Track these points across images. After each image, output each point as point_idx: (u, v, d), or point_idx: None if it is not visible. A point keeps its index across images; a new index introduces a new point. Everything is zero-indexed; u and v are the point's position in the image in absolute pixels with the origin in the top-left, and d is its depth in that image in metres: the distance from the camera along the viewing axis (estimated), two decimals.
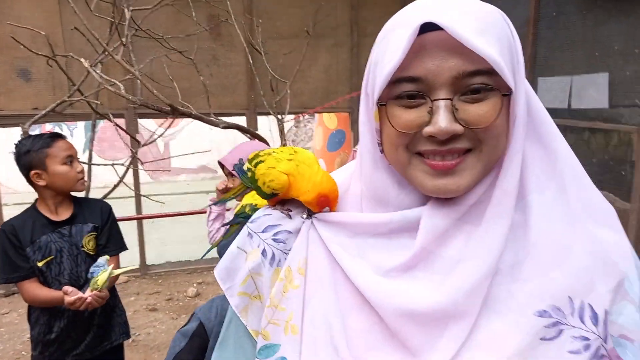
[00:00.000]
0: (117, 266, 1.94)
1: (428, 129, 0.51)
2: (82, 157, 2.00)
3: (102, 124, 8.73)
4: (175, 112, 2.61)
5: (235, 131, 2.89)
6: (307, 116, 9.13)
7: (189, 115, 2.70)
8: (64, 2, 3.79)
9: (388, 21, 0.56)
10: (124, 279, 4.50)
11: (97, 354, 1.93)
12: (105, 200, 2.15)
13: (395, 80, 0.52)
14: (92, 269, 1.77)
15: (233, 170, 1.94)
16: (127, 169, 3.30)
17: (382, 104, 0.54)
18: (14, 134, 2.74)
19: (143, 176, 5.08)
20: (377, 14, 4.63)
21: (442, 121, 0.50)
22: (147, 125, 7.11)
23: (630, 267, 0.58)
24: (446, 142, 0.52)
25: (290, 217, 0.67)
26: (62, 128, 9.22)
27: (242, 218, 1.27)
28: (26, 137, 1.88)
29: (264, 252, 0.65)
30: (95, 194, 2.80)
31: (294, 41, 4.16)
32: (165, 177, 10.22)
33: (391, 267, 0.57)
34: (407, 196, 0.59)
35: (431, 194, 0.55)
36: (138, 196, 4.36)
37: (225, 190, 2.11)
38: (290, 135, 10.46)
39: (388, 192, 0.59)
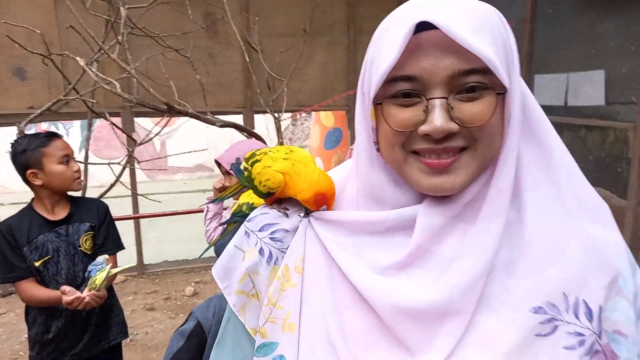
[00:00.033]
0: (115, 265, 1.94)
1: (423, 128, 0.51)
2: (78, 156, 2.00)
3: (98, 122, 8.71)
4: (172, 111, 2.61)
5: (232, 129, 2.88)
6: (304, 114, 9.13)
7: (186, 114, 2.70)
8: (59, 0, 3.77)
9: (384, 20, 0.56)
10: (122, 278, 4.50)
11: (95, 354, 1.93)
12: (102, 199, 2.15)
13: (391, 79, 0.52)
14: (90, 267, 1.77)
15: (230, 169, 1.94)
16: (124, 168, 3.30)
17: (378, 102, 0.54)
18: (10, 133, 2.73)
19: (140, 175, 5.07)
20: (374, 12, 4.63)
21: (438, 120, 0.50)
22: (144, 124, 7.11)
23: (624, 264, 0.58)
24: (441, 140, 0.52)
25: (287, 215, 0.68)
26: (58, 127, 9.19)
27: (239, 217, 1.27)
28: (22, 136, 1.87)
29: (261, 251, 0.66)
30: (91, 193, 2.79)
31: (291, 39, 4.15)
32: (161, 176, 10.20)
33: (387, 265, 0.57)
34: (403, 194, 0.59)
35: (427, 192, 0.55)
36: (135, 195, 4.35)
37: (223, 189, 2.11)
38: (287, 133, 10.45)
39: (384, 190, 0.60)
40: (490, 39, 0.50)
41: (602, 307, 0.55)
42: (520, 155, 0.56)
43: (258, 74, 3.71)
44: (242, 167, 0.78)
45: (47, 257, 1.80)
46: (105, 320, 1.95)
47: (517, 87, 0.53)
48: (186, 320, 1.36)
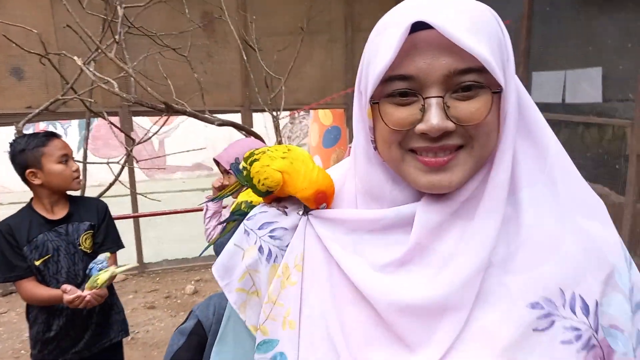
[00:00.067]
0: (115, 264, 1.95)
1: (420, 127, 0.52)
2: (77, 155, 2.00)
3: (96, 122, 8.70)
4: (170, 110, 2.61)
5: (231, 128, 2.89)
6: (302, 113, 9.13)
7: (184, 113, 2.70)
8: (56, 0, 3.77)
9: (380, 20, 0.56)
10: (122, 277, 4.50)
11: (96, 352, 1.94)
12: (101, 198, 2.15)
13: (388, 79, 0.53)
14: (91, 265, 1.78)
15: (229, 168, 1.94)
16: (123, 167, 3.30)
17: (375, 102, 0.55)
18: (8, 133, 2.73)
19: (138, 174, 5.06)
20: (371, 9, 4.63)
21: (434, 118, 0.51)
22: (142, 123, 7.09)
23: (620, 259, 0.59)
24: (438, 139, 0.52)
25: (286, 214, 0.68)
26: (56, 126, 9.18)
27: (238, 215, 1.27)
28: (21, 136, 1.87)
29: (260, 249, 0.66)
30: (90, 192, 2.80)
31: (288, 37, 4.15)
32: (160, 175, 10.19)
33: (386, 263, 0.58)
34: (401, 192, 0.60)
35: (424, 189, 0.56)
36: (134, 194, 4.35)
37: (221, 187, 2.12)
38: (286, 131, 10.45)
39: (382, 188, 0.60)
40: (486, 38, 0.50)
41: (599, 302, 0.56)
42: (516, 152, 0.57)
43: (256, 72, 3.71)
44: (241, 166, 0.78)
45: (47, 256, 1.80)
46: (106, 319, 1.96)
47: (512, 85, 0.54)
48: (186, 319, 1.37)
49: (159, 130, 3.34)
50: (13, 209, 1.96)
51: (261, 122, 6.66)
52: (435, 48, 0.50)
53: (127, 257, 4.23)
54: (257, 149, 0.75)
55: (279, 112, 3.47)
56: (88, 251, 1.89)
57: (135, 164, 4.01)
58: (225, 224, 1.34)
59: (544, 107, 3.87)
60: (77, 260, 1.86)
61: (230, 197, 1.53)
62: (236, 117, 4.15)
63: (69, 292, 1.69)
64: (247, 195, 1.29)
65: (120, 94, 2.46)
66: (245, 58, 3.52)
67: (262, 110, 4.07)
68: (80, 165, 2.11)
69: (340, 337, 0.58)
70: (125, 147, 3.46)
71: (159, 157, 4.43)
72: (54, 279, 1.82)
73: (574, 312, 0.55)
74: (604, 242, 0.59)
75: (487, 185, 0.56)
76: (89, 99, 3.02)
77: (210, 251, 1.39)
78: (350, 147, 0.67)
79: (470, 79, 0.51)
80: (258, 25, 3.71)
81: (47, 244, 1.81)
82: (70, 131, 9.56)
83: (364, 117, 0.59)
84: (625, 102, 3.30)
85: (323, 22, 4.59)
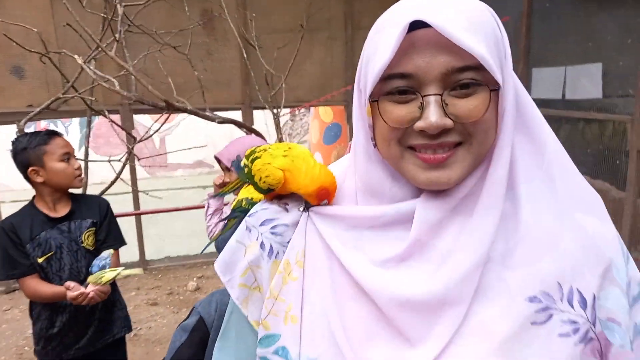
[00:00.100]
0: (117, 261, 1.96)
1: (419, 124, 0.53)
2: (78, 153, 2.01)
3: (97, 120, 8.70)
4: (171, 108, 2.62)
5: (231, 126, 2.89)
6: (302, 110, 9.13)
7: (185, 111, 2.71)
8: None
9: (379, 18, 0.57)
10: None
11: (99, 348, 1.95)
12: (103, 196, 2.16)
13: (387, 77, 0.53)
14: (95, 261, 1.79)
15: (231, 166, 1.95)
16: (124, 165, 3.30)
17: (374, 100, 0.56)
18: (9, 132, 2.74)
19: (140, 172, 5.07)
20: (371, 6, 4.62)
21: (433, 116, 0.51)
22: (143, 121, 7.10)
23: (617, 254, 0.60)
24: (437, 136, 0.53)
25: (287, 210, 0.69)
26: (57, 125, 9.18)
27: (239, 212, 1.28)
28: (23, 134, 1.88)
29: (262, 245, 0.67)
30: (92, 190, 2.81)
31: (288, 35, 4.15)
32: (161, 172, 10.20)
33: (387, 258, 0.59)
34: (401, 189, 0.61)
35: (424, 186, 0.57)
36: (135, 192, 4.37)
37: (223, 184, 2.13)
38: (286, 129, 10.45)
39: (382, 185, 0.61)
40: (483, 36, 0.51)
41: (596, 296, 0.57)
42: (514, 148, 0.58)
43: (256, 70, 3.72)
44: (242, 163, 0.79)
45: (50, 254, 1.82)
46: (108, 315, 1.97)
47: (510, 82, 0.55)
48: (189, 315, 1.38)
49: (159, 128, 3.35)
50: (14, 207, 1.98)
51: (262, 119, 6.66)
52: (434, 46, 0.51)
53: (129, 254, 4.25)
54: (258, 147, 0.76)
55: (279, 110, 3.48)
56: (90, 248, 1.91)
57: (136, 162, 4.02)
58: (226, 220, 1.35)
59: (544, 104, 3.87)
60: (80, 258, 1.88)
61: (232, 194, 1.54)
62: (237, 115, 4.16)
63: (73, 289, 1.70)
64: (247, 192, 1.30)
65: (120, 92, 2.47)
66: (245, 56, 3.53)
67: (263, 108, 4.07)
68: (82, 163, 2.12)
69: (341, 331, 0.59)
70: (127, 145, 3.47)
71: (160, 154, 4.43)
72: (57, 276, 1.83)
73: (572, 306, 0.56)
74: (602, 237, 0.60)
75: (485, 182, 0.56)
76: (90, 97, 3.03)
77: (212, 248, 1.40)
78: (350, 144, 0.68)
79: (468, 76, 0.51)
80: (258, 23, 3.71)
81: (50, 242, 1.82)
82: (71, 129, 9.57)
83: (363, 115, 0.60)
84: (625, 98, 3.30)
85: (323, 19, 4.59)
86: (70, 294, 1.69)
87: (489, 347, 0.54)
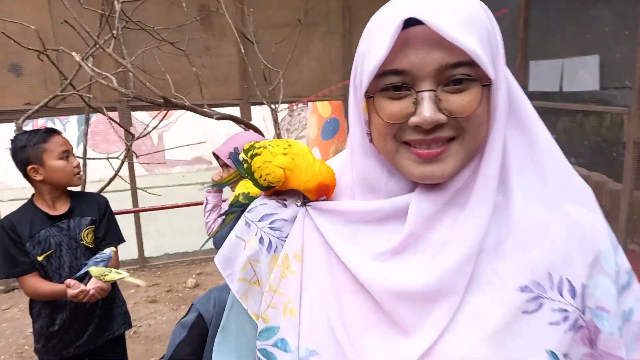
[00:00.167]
0: (117, 258, 1.97)
1: (413, 119, 0.54)
2: (76, 151, 2.01)
3: (95, 117, 8.69)
4: (169, 104, 2.61)
5: (230, 122, 2.89)
6: (300, 105, 9.12)
7: (183, 107, 2.70)
8: None
9: (374, 15, 0.58)
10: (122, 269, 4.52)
11: (100, 344, 1.96)
12: (102, 193, 2.17)
13: (382, 73, 0.54)
14: (97, 256, 1.79)
15: (228, 157, 1.95)
16: (122, 162, 3.30)
17: (370, 96, 0.57)
18: (7, 131, 2.74)
19: (138, 169, 5.08)
20: (369, 1, 4.61)
21: (427, 111, 0.52)
22: (141, 118, 7.09)
23: (606, 244, 0.61)
24: (431, 131, 0.54)
25: (285, 206, 0.70)
26: (55, 122, 9.17)
27: (236, 207, 1.29)
28: (21, 132, 1.88)
29: (261, 240, 0.68)
30: (90, 187, 2.81)
31: (286, 30, 4.14)
32: (160, 169, 10.20)
33: (383, 251, 0.60)
34: (396, 183, 0.62)
35: (418, 180, 0.58)
36: (134, 189, 4.37)
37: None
38: (284, 124, 10.44)
39: (378, 179, 0.62)
40: (476, 33, 0.52)
41: (585, 285, 0.59)
42: (506, 142, 0.59)
43: (254, 65, 3.71)
44: (240, 158, 0.80)
45: (49, 252, 1.82)
46: (108, 312, 1.99)
47: (502, 78, 0.56)
48: (187, 312, 1.39)
49: (158, 124, 3.34)
50: (13, 206, 1.98)
51: (260, 115, 6.65)
52: (427, 43, 0.52)
53: (128, 251, 4.26)
54: (257, 142, 0.77)
55: (277, 105, 3.48)
56: (90, 246, 1.92)
57: (135, 159, 4.02)
58: (224, 216, 1.36)
59: (542, 96, 3.88)
60: (79, 255, 1.89)
61: (230, 188, 1.55)
62: (235, 111, 4.15)
63: (73, 287, 1.71)
64: (244, 187, 1.31)
65: (118, 89, 2.47)
66: (243, 51, 3.52)
67: (261, 103, 4.07)
68: (80, 161, 2.13)
69: (339, 323, 0.60)
70: (125, 142, 3.47)
71: (159, 151, 4.43)
72: (57, 273, 1.84)
73: (562, 295, 0.58)
74: (591, 227, 0.61)
75: (478, 175, 0.58)
76: (88, 95, 3.02)
77: (211, 244, 1.41)
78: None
79: (461, 72, 0.52)
80: (255, 18, 3.70)
81: (50, 240, 1.83)
82: (69, 127, 9.55)
83: (359, 110, 0.61)
84: (623, 90, 3.31)
85: (320, 14, 4.58)
86: (71, 292, 1.70)
87: (481, 336, 0.56)
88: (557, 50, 3.69)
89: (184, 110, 2.79)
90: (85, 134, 3.64)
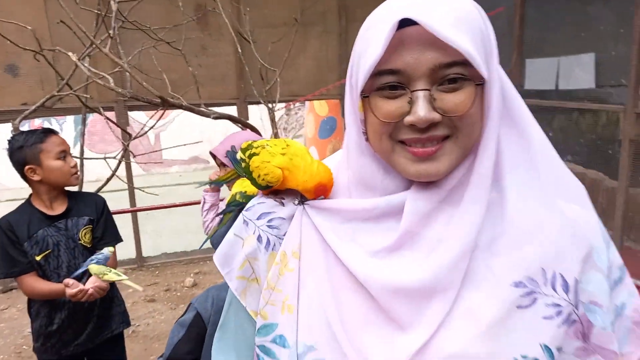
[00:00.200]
0: (115, 258, 1.98)
1: (408, 118, 0.55)
2: (73, 151, 2.01)
3: (92, 117, 8.67)
4: (166, 104, 2.61)
5: (227, 121, 2.89)
6: (297, 104, 9.11)
7: (180, 107, 2.70)
8: None
9: (369, 16, 0.59)
10: (121, 270, 4.52)
11: (98, 343, 1.97)
12: (99, 193, 2.17)
13: (377, 73, 0.55)
14: (94, 257, 1.80)
15: (225, 155, 1.96)
16: (120, 162, 3.30)
17: (365, 95, 0.58)
18: (4, 131, 2.73)
19: (135, 169, 5.07)
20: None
21: (421, 110, 0.53)
22: (137, 118, 7.08)
23: (598, 240, 0.63)
24: (425, 130, 0.55)
25: (283, 204, 0.71)
26: (51, 122, 9.14)
27: (234, 206, 1.30)
28: (18, 133, 1.88)
29: (259, 238, 0.69)
30: (88, 187, 2.81)
31: (283, 29, 4.15)
32: (157, 169, 10.19)
33: (379, 249, 0.61)
34: (392, 181, 0.63)
35: (414, 178, 0.59)
36: (131, 189, 4.37)
37: None
38: (282, 123, 10.43)
39: (374, 178, 0.63)
40: (469, 33, 0.53)
41: (578, 280, 0.60)
42: (500, 140, 0.60)
43: (251, 64, 3.71)
44: (238, 157, 0.80)
45: (47, 251, 1.83)
46: (107, 311, 1.99)
47: (495, 77, 0.57)
48: (186, 311, 1.40)
49: (155, 124, 3.34)
50: (10, 206, 1.98)
51: (257, 114, 6.65)
52: (422, 43, 0.53)
53: (126, 251, 4.26)
54: (255, 142, 0.77)
55: (274, 104, 3.48)
56: (88, 245, 1.92)
57: (132, 159, 4.02)
58: (222, 215, 1.36)
59: (538, 94, 3.89)
60: (77, 255, 1.89)
61: (226, 186, 1.55)
62: (232, 110, 4.15)
63: (72, 286, 1.71)
64: (241, 186, 1.31)
65: (115, 88, 2.47)
66: (239, 50, 3.52)
67: (258, 103, 4.07)
68: (77, 161, 2.13)
69: (337, 319, 0.61)
70: (122, 142, 3.46)
71: (156, 151, 4.43)
72: (55, 273, 1.84)
73: (555, 290, 0.59)
74: (583, 223, 0.62)
75: (472, 173, 0.59)
76: (85, 95, 3.02)
77: (208, 244, 1.42)
78: None
79: (455, 71, 0.53)
80: (252, 17, 3.70)
81: (47, 239, 1.83)
82: (65, 127, 9.52)
83: (355, 110, 0.62)
84: (618, 88, 3.33)
85: (317, 13, 4.59)
86: (70, 291, 1.70)
87: (476, 331, 0.57)
88: (553, 48, 3.71)
89: (180, 110, 2.79)
90: (82, 134, 3.63)
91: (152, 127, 3.34)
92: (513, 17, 3.93)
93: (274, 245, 0.68)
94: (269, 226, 0.69)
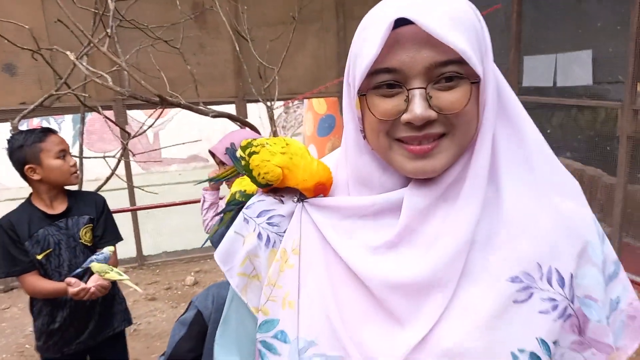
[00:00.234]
0: (115, 256, 1.98)
1: (405, 116, 0.56)
2: (72, 150, 2.02)
3: (90, 116, 8.66)
4: (164, 102, 2.62)
5: (225, 119, 2.90)
6: (296, 102, 9.11)
7: (178, 105, 2.71)
8: None
9: (366, 15, 0.60)
10: (122, 269, 4.53)
11: (100, 341, 1.98)
12: (99, 192, 2.17)
13: (374, 72, 0.56)
14: (93, 257, 1.81)
15: (224, 153, 1.96)
16: (119, 160, 3.30)
17: (363, 94, 0.58)
18: (3, 130, 2.74)
19: (134, 167, 5.07)
20: None
21: (418, 108, 0.54)
22: (136, 116, 7.08)
23: (593, 235, 0.64)
24: (422, 127, 0.56)
25: (282, 202, 0.72)
26: (50, 122, 9.13)
27: (233, 205, 1.30)
28: (17, 132, 1.89)
29: (259, 235, 0.70)
30: (87, 186, 2.81)
31: (280, 27, 4.14)
32: (156, 167, 10.18)
33: (378, 245, 0.62)
34: (390, 178, 0.64)
35: (411, 175, 0.60)
36: (131, 188, 4.37)
37: None
38: (280, 121, 10.43)
39: (372, 175, 0.64)
40: (464, 32, 0.54)
41: (574, 275, 0.61)
42: (496, 137, 0.61)
43: (249, 63, 3.71)
44: (238, 154, 0.81)
45: (48, 250, 1.83)
46: (109, 309, 2.00)
47: (490, 75, 0.57)
48: (187, 310, 1.40)
49: (153, 123, 3.34)
50: (10, 206, 1.99)
51: (255, 112, 6.64)
52: (417, 42, 0.54)
53: (126, 250, 4.27)
54: (254, 140, 0.78)
55: (273, 102, 3.48)
56: (88, 244, 1.93)
57: (131, 157, 4.02)
58: (222, 214, 1.37)
59: (536, 91, 3.90)
60: (78, 253, 1.90)
61: (225, 184, 1.56)
62: (230, 108, 4.15)
63: (74, 285, 1.72)
64: (240, 184, 1.32)
65: (114, 87, 2.47)
66: (237, 49, 3.52)
67: (256, 101, 4.07)
68: (77, 160, 2.13)
69: (337, 314, 0.62)
70: (121, 141, 3.47)
71: (155, 150, 4.43)
72: (56, 272, 1.85)
73: (551, 285, 0.60)
74: (578, 219, 0.63)
75: (469, 170, 0.60)
76: (83, 94, 3.02)
77: (208, 242, 1.42)
78: None
79: (450, 70, 0.54)
80: (249, 15, 3.70)
81: (48, 238, 1.84)
82: (64, 126, 9.52)
83: (352, 108, 0.63)
84: (616, 84, 3.34)
85: (315, 10, 4.58)
86: (72, 290, 1.71)
87: (474, 325, 0.58)
88: (550, 45, 3.72)
89: (179, 109, 2.79)
90: (81, 133, 3.63)
91: (150, 126, 3.35)
92: (510, 14, 3.93)
93: (274, 242, 0.69)
94: (269, 223, 0.70)
